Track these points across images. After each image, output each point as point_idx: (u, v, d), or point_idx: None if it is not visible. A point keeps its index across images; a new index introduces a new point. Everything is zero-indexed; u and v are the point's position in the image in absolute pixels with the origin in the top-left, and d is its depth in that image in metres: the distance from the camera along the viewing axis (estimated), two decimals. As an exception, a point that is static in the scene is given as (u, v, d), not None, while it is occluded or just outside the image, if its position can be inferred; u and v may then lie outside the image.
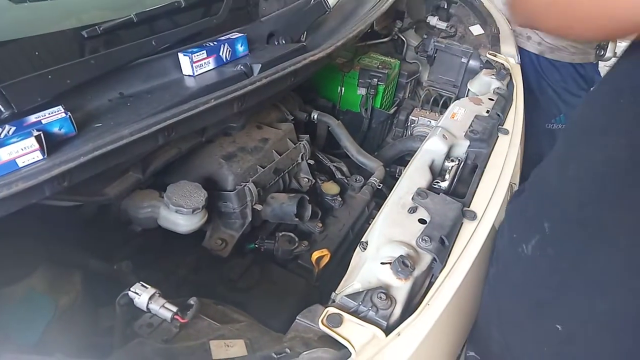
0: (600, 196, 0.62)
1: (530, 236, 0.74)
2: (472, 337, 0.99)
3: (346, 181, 1.34)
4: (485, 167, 1.13)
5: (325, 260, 1.07)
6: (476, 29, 1.70)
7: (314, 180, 1.30)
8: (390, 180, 1.39)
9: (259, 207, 1.11)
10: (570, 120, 0.75)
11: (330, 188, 1.29)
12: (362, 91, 1.58)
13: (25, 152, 0.65)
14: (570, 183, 0.69)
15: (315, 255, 1.05)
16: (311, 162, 1.32)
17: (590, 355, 0.67)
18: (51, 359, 0.51)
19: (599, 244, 0.63)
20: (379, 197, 1.35)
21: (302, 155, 1.28)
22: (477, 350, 0.98)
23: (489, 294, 0.90)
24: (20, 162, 0.65)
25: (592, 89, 0.72)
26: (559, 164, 0.74)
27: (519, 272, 0.78)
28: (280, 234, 1.13)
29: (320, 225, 1.18)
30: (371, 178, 1.34)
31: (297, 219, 1.11)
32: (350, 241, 1.22)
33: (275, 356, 0.61)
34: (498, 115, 1.27)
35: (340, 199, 1.27)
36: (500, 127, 1.26)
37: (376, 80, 1.55)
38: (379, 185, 1.35)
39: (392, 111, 1.70)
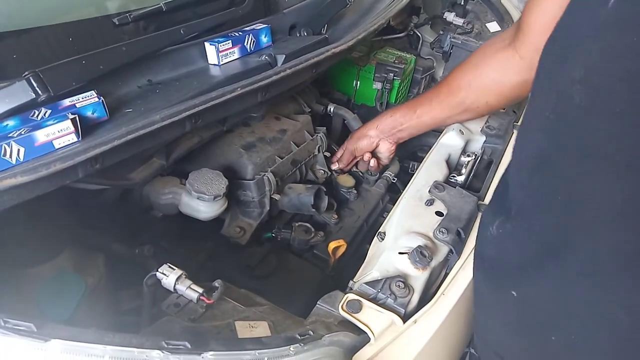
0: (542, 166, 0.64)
1: (495, 218, 0.76)
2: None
3: (361, 174, 1.35)
4: (500, 163, 1.14)
5: (342, 250, 1.09)
6: (493, 26, 1.70)
7: (329, 172, 1.32)
8: (404, 175, 1.40)
9: (277, 196, 1.13)
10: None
11: (345, 180, 1.30)
12: (377, 85, 1.58)
13: (61, 134, 0.67)
14: (517, 165, 0.71)
15: (332, 245, 1.07)
16: (327, 154, 1.33)
17: (543, 314, 0.68)
18: (88, 330, 0.53)
19: (548, 207, 0.63)
20: (393, 191, 1.36)
21: (318, 147, 1.29)
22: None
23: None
24: (57, 144, 0.67)
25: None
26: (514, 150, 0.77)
27: (489, 253, 0.79)
28: (297, 224, 1.14)
29: (336, 216, 1.20)
30: (386, 172, 1.36)
31: (314, 210, 1.12)
32: (365, 233, 1.23)
33: (299, 337, 0.63)
34: (514, 111, 1.29)
35: (355, 191, 1.28)
36: (515, 123, 1.27)
37: (392, 75, 1.55)
38: (394, 179, 1.36)
39: (406, 106, 1.70)
